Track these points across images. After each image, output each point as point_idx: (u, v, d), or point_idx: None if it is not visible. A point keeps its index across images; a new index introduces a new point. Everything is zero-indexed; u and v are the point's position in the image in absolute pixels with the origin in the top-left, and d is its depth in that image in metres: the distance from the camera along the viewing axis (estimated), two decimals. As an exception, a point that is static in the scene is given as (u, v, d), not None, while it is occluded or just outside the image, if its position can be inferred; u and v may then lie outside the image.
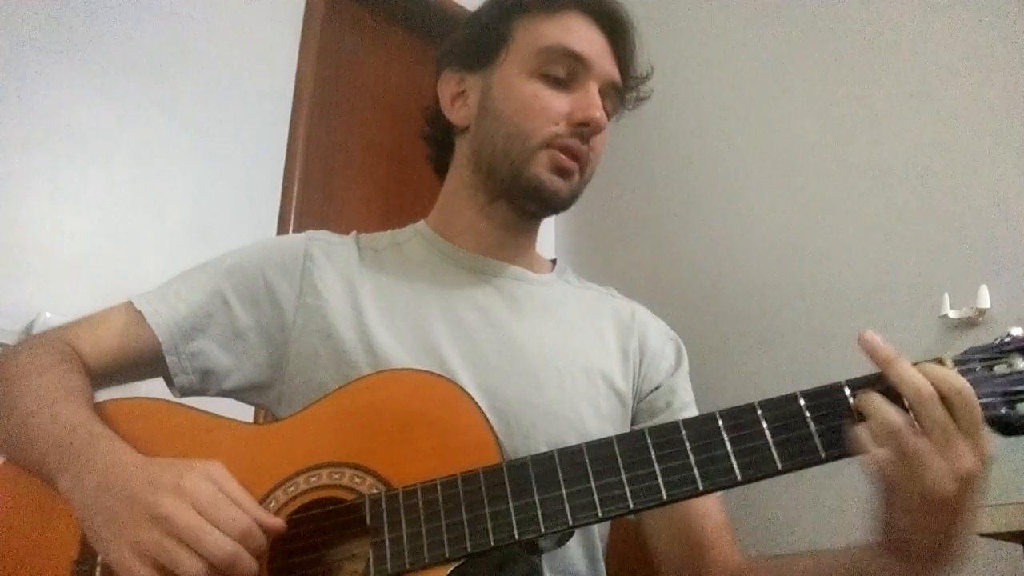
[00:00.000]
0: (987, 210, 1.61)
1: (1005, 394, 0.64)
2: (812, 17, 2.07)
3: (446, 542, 0.65)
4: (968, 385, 0.61)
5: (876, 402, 0.62)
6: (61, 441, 0.70)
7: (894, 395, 0.63)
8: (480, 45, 0.94)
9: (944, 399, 0.61)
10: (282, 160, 2.16)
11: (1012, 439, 0.65)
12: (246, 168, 2.08)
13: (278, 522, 0.67)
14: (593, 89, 0.89)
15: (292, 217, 2.12)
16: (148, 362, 0.87)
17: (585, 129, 0.88)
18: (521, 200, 0.92)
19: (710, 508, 0.89)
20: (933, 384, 0.61)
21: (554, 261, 1.04)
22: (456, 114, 0.96)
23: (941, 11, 1.79)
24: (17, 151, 1.71)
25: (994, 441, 0.65)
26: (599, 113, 0.88)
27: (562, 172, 0.89)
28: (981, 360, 0.66)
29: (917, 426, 0.61)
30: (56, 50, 1.80)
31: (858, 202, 1.85)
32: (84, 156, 1.80)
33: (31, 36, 1.78)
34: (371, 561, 0.66)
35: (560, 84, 0.90)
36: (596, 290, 1.03)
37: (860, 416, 0.64)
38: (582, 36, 0.91)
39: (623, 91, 0.95)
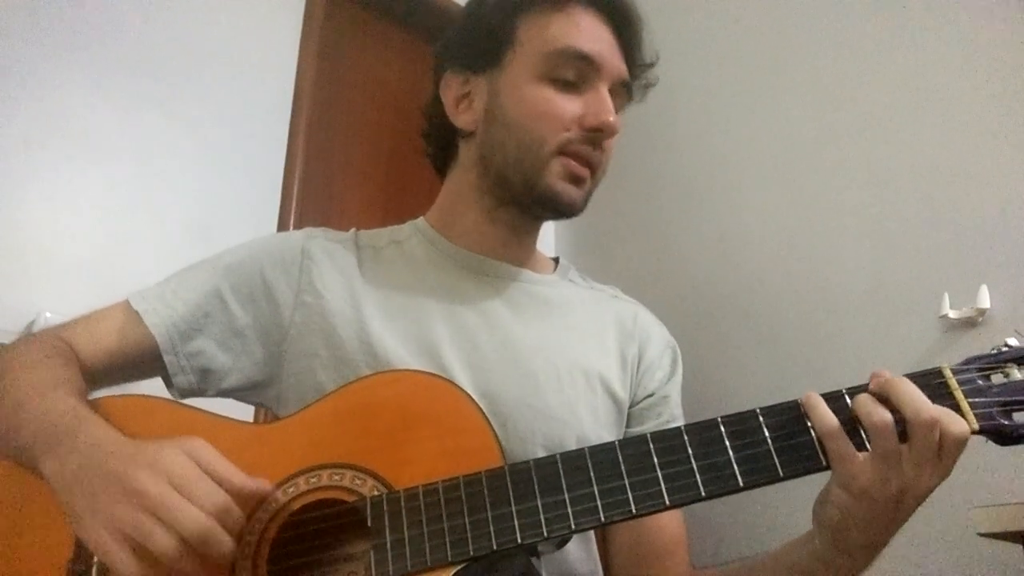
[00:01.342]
0: (987, 210, 1.61)
1: (1002, 404, 0.65)
2: (811, 17, 2.07)
3: (448, 545, 0.65)
4: (967, 433, 0.63)
5: (871, 402, 0.65)
6: (48, 427, 0.70)
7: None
8: (484, 46, 0.91)
9: (942, 433, 0.63)
10: (282, 160, 2.16)
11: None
12: (246, 168, 2.07)
13: (263, 485, 0.66)
14: (604, 91, 0.88)
15: (292, 217, 2.12)
16: (146, 362, 0.87)
17: (598, 135, 0.87)
18: (534, 208, 0.91)
19: (667, 522, 0.89)
20: (939, 418, 0.63)
21: (556, 260, 1.03)
22: (461, 118, 0.93)
23: (941, 11, 1.79)
24: (17, 151, 1.70)
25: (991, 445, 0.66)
26: (612, 118, 0.86)
27: (576, 180, 0.87)
28: (978, 369, 0.67)
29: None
30: (56, 50, 1.80)
31: (858, 202, 1.85)
32: (84, 156, 1.80)
33: (31, 36, 1.77)
34: (372, 563, 0.66)
35: (570, 86, 0.87)
36: (600, 290, 1.02)
37: (854, 422, 0.65)
38: (590, 34, 0.88)
39: (631, 84, 0.93)
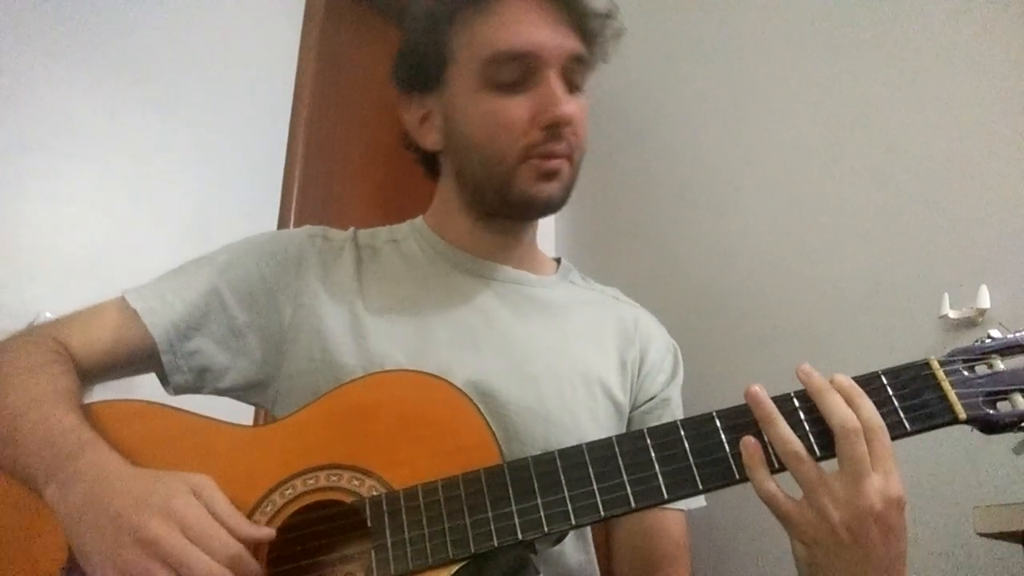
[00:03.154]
0: (987, 210, 1.61)
1: (987, 394, 0.67)
2: (810, 16, 2.07)
3: (449, 544, 0.65)
4: (882, 423, 0.64)
5: (786, 433, 0.65)
6: (48, 447, 0.69)
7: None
8: (424, 67, 0.89)
9: (865, 434, 0.63)
10: (282, 160, 2.16)
11: (996, 438, 0.67)
12: (246, 168, 2.07)
13: (267, 532, 0.66)
14: (550, 80, 0.82)
15: (292, 217, 2.12)
16: (142, 360, 0.86)
17: (556, 128, 0.83)
18: (514, 213, 0.90)
19: (670, 525, 0.89)
20: (858, 418, 0.64)
21: (559, 260, 1.02)
22: (426, 139, 0.92)
23: (940, 9, 1.78)
24: (17, 151, 1.70)
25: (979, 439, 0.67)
26: (565, 108, 0.82)
27: (549, 176, 0.85)
28: (963, 361, 0.69)
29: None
30: (56, 50, 1.80)
31: (858, 202, 1.85)
32: (84, 156, 1.80)
33: (31, 36, 1.77)
34: (373, 563, 0.65)
35: (516, 87, 0.83)
36: (600, 292, 1.01)
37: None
38: (521, 26, 0.82)
39: (588, 52, 0.87)
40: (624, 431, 0.90)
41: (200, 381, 0.88)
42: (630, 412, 0.93)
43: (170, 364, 0.85)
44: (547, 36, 0.83)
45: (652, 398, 0.94)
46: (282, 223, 2.09)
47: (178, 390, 0.87)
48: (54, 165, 1.75)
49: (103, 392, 0.84)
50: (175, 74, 1.99)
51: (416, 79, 0.91)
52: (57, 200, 1.74)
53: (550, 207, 0.88)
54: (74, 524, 0.65)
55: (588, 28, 0.86)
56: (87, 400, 0.79)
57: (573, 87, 0.86)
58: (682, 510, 0.91)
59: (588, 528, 0.89)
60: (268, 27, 2.23)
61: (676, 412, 0.95)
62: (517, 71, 0.83)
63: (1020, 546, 1.21)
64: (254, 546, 0.65)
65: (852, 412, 0.64)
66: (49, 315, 1.57)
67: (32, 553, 0.71)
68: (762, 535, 1.75)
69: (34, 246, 1.69)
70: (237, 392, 0.90)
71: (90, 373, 0.83)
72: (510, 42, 0.82)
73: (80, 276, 1.69)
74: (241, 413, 0.94)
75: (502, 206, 0.88)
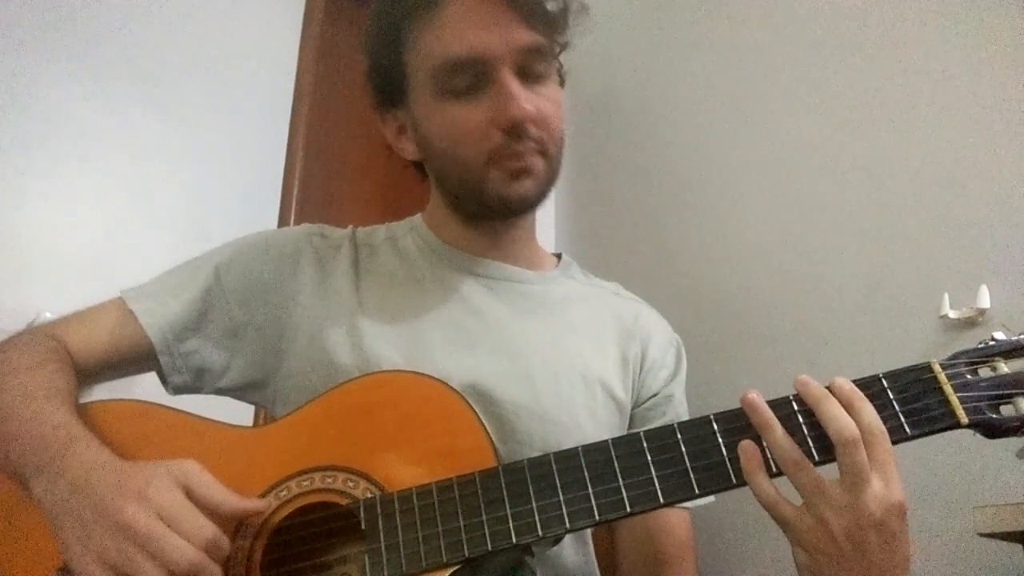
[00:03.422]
0: (987, 210, 1.60)
1: (990, 397, 0.65)
2: (810, 16, 2.06)
3: (443, 548, 0.65)
4: (883, 428, 0.64)
5: (783, 440, 0.64)
6: (38, 444, 0.69)
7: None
8: (386, 84, 0.88)
9: (864, 440, 0.63)
10: (282, 160, 2.16)
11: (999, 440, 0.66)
12: (246, 168, 2.08)
13: (258, 504, 0.66)
14: (504, 80, 0.79)
15: (292, 217, 2.13)
16: (140, 360, 0.86)
17: (518, 128, 0.80)
18: (495, 214, 0.89)
19: (675, 525, 0.89)
20: (858, 424, 0.63)
21: (559, 256, 1.01)
22: (405, 150, 0.92)
23: (940, 8, 1.78)
24: (16, 152, 1.71)
25: (984, 442, 0.66)
26: (524, 107, 0.79)
27: (519, 175, 0.83)
28: (967, 364, 0.67)
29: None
30: (55, 51, 1.81)
31: (858, 201, 1.84)
32: (84, 156, 1.80)
33: (30, 37, 1.78)
34: (367, 566, 0.65)
35: (472, 92, 0.81)
36: (601, 287, 1.00)
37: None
38: (462, 31, 0.79)
39: (546, 38, 0.82)
40: (626, 429, 0.90)
41: (199, 381, 0.88)
42: (632, 409, 0.92)
43: (168, 365, 0.86)
44: (492, 36, 0.79)
45: (655, 395, 0.93)
46: (282, 223, 2.09)
47: (177, 390, 0.88)
48: (54, 165, 1.75)
49: (103, 392, 0.84)
50: (175, 74, 1.99)
51: (383, 96, 0.90)
52: (57, 200, 1.75)
53: (528, 204, 0.87)
54: (58, 516, 0.65)
55: (541, 13, 0.81)
56: (86, 399, 0.79)
57: (535, 78, 0.83)
58: (687, 508, 0.91)
59: (589, 531, 0.88)
60: (268, 27, 2.23)
61: (679, 408, 0.94)
62: (468, 77, 0.80)
63: (1020, 546, 1.21)
64: (254, 517, 0.66)
65: (850, 421, 0.63)
66: (49, 315, 1.58)
67: (29, 554, 0.71)
68: (765, 536, 1.75)
69: (34, 246, 1.70)
70: (236, 391, 0.90)
71: (88, 372, 0.84)
72: (454, 50, 0.79)
73: (80, 276, 1.70)
74: (241, 413, 0.94)
75: (482, 208, 0.88)
